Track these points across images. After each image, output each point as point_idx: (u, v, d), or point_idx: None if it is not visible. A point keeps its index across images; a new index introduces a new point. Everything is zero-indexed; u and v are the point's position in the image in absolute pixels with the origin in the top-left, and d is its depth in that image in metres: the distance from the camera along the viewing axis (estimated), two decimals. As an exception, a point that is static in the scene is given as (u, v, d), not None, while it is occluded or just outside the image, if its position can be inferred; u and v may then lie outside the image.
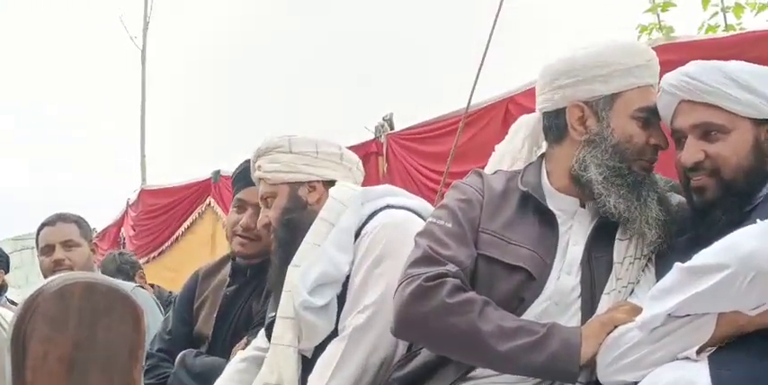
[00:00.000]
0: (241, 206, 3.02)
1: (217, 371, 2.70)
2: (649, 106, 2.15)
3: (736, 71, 2.04)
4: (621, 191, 2.11)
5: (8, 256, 4.66)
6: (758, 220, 1.84)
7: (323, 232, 2.51)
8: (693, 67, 2.07)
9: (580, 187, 2.18)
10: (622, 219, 2.11)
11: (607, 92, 2.15)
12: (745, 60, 2.14)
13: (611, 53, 2.16)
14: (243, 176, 3.04)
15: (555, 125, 2.26)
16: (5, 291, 4.46)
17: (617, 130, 2.14)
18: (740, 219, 1.94)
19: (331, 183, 2.63)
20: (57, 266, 3.85)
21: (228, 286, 3.11)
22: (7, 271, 4.52)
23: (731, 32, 4.53)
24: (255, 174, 2.70)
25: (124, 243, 6.75)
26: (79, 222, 3.99)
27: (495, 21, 3.71)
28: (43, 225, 3.99)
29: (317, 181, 2.63)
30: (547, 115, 2.30)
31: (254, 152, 2.70)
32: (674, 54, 3.08)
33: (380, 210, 2.54)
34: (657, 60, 2.23)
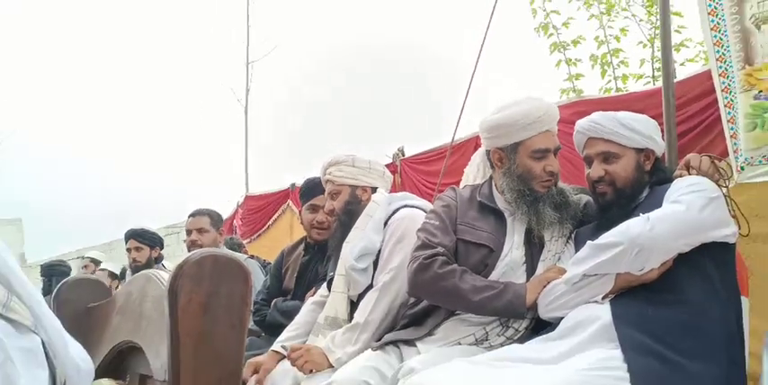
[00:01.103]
0: (314, 209, 2.99)
1: (297, 311, 2.69)
2: (541, 148, 2.13)
3: (624, 118, 2.03)
4: (523, 207, 2.12)
5: (162, 238, 4.70)
6: (640, 214, 1.84)
7: (365, 222, 2.49)
8: (597, 115, 2.06)
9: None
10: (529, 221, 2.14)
11: (512, 141, 2.13)
12: (630, 111, 2.12)
13: (514, 116, 2.13)
14: (310, 189, 3.01)
15: (489, 160, 2.27)
16: (162, 261, 4.49)
17: (520, 166, 2.13)
18: (628, 213, 1.93)
19: (375, 188, 2.60)
20: (192, 245, 3.87)
21: (303, 257, 3.10)
22: (162, 248, 4.56)
23: (620, 93, 4.49)
24: (326, 178, 2.64)
25: (236, 230, 6.77)
26: (210, 214, 3.99)
27: (472, 78, 3.66)
28: (189, 216, 4.00)
29: (368, 186, 2.60)
30: (485, 152, 2.31)
31: (327, 162, 2.64)
32: (583, 107, 3.05)
33: (401, 208, 2.51)
34: (553, 112, 2.19)
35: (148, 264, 4.21)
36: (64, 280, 1.35)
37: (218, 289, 0.85)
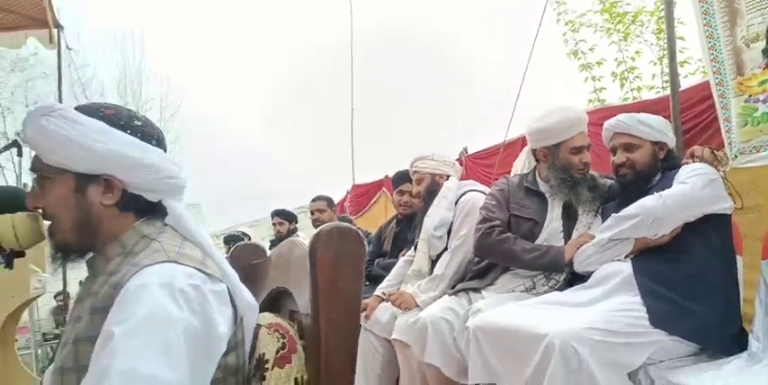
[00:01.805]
0: (401, 192, 3.02)
1: (392, 267, 2.73)
2: (577, 145, 2.06)
3: (642, 117, 1.93)
4: (564, 190, 2.06)
5: (296, 215, 4.78)
6: (654, 192, 1.76)
7: (440, 201, 2.48)
8: (621, 116, 1.97)
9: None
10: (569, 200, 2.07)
11: (554, 142, 2.08)
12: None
13: (554, 123, 2.07)
14: (399, 178, 3.03)
15: (534, 155, 2.21)
16: (296, 232, 4.61)
17: (562, 160, 2.07)
18: (644, 192, 1.84)
19: (448, 176, 2.59)
20: (315, 221, 3.97)
21: (396, 228, 3.14)
22: (297, 222, 4.66)
23: (636, 101, 4.27)
24: (413, 169, 2.65)
25: (346, 209, 6.88)
26: (327, 199, 4.07)
27: (520, 91, 3.57)
28: (311, 201, 4.09)
29: (444, 174, 2.60)
30: (530, 150, 2.25)
31: (414, 158, 2.66)
32: (606, 112, 2.91)
33: (467, 191, 2.49)
34: (584, 117, 2.12)
35: (288, 235, 4.34)
36: (236, 244, 1.43)
37: (342, 249, 0.89)
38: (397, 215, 3.17)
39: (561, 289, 1.96)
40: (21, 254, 1.02)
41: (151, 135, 1.02)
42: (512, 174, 2.39)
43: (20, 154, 2.25)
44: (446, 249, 2.42)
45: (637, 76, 5.64)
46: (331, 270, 0.87)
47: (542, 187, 2.16)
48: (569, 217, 2.10)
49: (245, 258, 1.35)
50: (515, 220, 2.13)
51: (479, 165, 4.50)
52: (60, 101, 4.00)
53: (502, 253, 2.07)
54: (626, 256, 1.78)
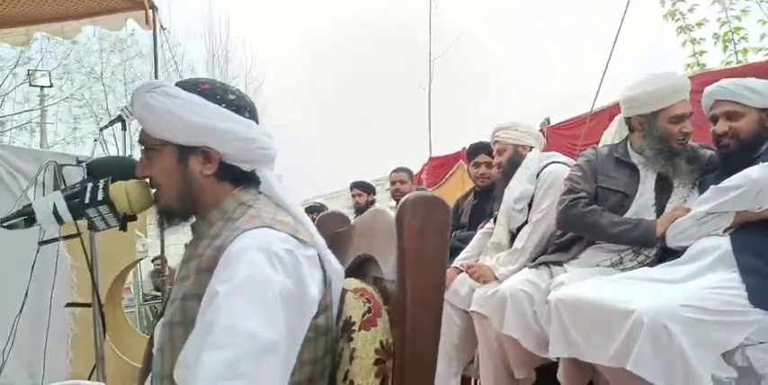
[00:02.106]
0: (477, 165, 2.98)
1: (470, 239, 2.72)
2: (678, 114, 1.91)
3: (747, 82, 1.78)
4: (661, 161, 1.93)
5: (374, 187, 4.84)
6: (760, 162, 1.63)
7: (522, 173, 2.42)
8: (723, 81, 1.82)
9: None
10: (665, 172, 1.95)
11: (651, 110, 1.94)
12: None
13: (653, 89, 1.93)
14: (474, 150, 2.99)
15: (629, 124, 2.07)
16: (374, 203, 4.67)
17: (660, 129, 1.93)
18: (749, 162, 1.70)
19: (531, 147, 2.52)
20: (396, 192, 4.00)
21: (473, 201, 3.11)
22: (375, 194, 4.73)
23: (740, 64, 3.92)
24: (494, 139, 2.58)
25: (423, 182, 6.89)
26: (408, 171, 4.10)
27: (613, 47, 3.38)
28: (393, 172, 4.12)
29: (527, 145, 2.52)
30: (625, 119, 2.10)
31: (496, 127, 2.57)
32: (708, 77, 2.70)
33: (549, 163, 2.41)
34: (686, 83, 1.97)
35: (366, 206, 4.43)
36: (320, 214, 1.48)
37: (428, 218, 0.89)
38: (475, 187, 3.13)
39: (651, 264, 1.87)
40: (133, 218, 1.11)
41: (244, 107, 1.06)
42: (600, 145, 2.29)
43: (123, 128, 2.42)
44: (526, 222, 2.37)
45: (743, 37, 5.15)
46: (417, 238, 0.88)
47: (634, 158, 2.04)
48: (663, 189, 1.98)
49: (330, 226, 1.38)
50: (603, 192, 2.04)
51: (563, 136, 4.34)
52: (156, 78, 4.25)
53: (587, 225, 1.99)
54: (724, 231, 1.66)
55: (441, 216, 0.90)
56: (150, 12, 4.02)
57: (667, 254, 1.86)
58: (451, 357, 2.44)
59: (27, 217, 1.10)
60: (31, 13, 3.57)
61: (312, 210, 5.85)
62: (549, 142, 4.34)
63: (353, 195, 4.59)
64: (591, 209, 1.99)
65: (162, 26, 4.67)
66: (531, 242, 2.30)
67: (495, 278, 2.26)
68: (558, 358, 1.86)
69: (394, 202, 4.13)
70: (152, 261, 7.46)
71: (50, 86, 8.87)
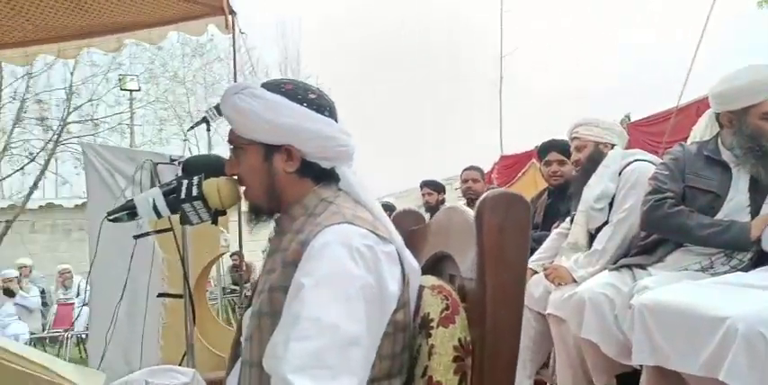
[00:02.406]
0: (548, 163, 2.92)
1: (544, 239, 2.66)
2: None
3: None
4: (752, 160, 1.81)
5: (444, 186, 4.81)
6: None
7: (603, 171, 2.34)
8: None
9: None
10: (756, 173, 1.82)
11: (742, 106, 1.83)
12: None
13: (743, 84, 1.81)
14: (545, 148, 2.94)
15: (718, 120, 1.96)
16: (444, 202, 4.65)
17: (750, 126, 1.81)
18: None
19: (613, 145, 2.43)
20: (467, 190, 3.97)
21: (547, 200, 3.04)
22: (445, 193, 4.71)
23: None
24: (573, 135, 2.50)
25: (493, 181, 6.79)
26: (479, 169, 4.06)
27: (702, 35, 3.19)
28: (465, 170, 4.09)
29: (608, 143, 2.43)
30: (714, 114, 1.99)
31: (575, 123, 2.50)
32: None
33: (633, 161, 2.31)
34: None
35: (437, 205, 4.43)
36: (395, 212, 1.50)
37: (508, 215, 0.89)
38: (549, 186, 3.06)
39: (746, 269, 1.76)
40: (223, 213, 1.18)
41: (324, 106, 1.10)
42: (689, 142, 2.17)
43: (208, 128, 2.56)
44: (607, 222, 2.29)
45: None
46: (497, 235, 0.88)
47: (725, 156, 1.92)
48: (757, 189, 1.84)
49: (406, 224, 1.40)
50: (691, 193, 1.93)
51: (644, 132, 4.15)
52: (234, 80, 4.44)
53: (674, 227, 1.90)
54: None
55: (521, 213, 0.89)
56: (230, 17, 4.21)
57: (764, 258, 1.74)
58: (525, 360, 2.40)
59: (129, 211, 1.21)
60: (123, 21, 3.84)
61: (383, 208, 5.92)
62: (631, 138, 4.18)
63: (423, 194, 4.59)
64: (678, 210, 1.89)
65: (240, 30, 4.89)
66: (612, 243, 2.22)
67: (574, 280, 2.20)
68: (641, 366, 1.78)
69: (464, 201, 4.10)
70: (230, 256, 7.84)
71: (138, 90, 9.52)
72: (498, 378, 0.91)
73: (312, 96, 1.09)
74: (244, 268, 5.37)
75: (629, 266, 2.04)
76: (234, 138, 1.10)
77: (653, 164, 2.24)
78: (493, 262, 0.89)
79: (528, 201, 0.92)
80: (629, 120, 4.35)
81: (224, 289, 7.14)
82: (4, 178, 8.60)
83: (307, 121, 1.06)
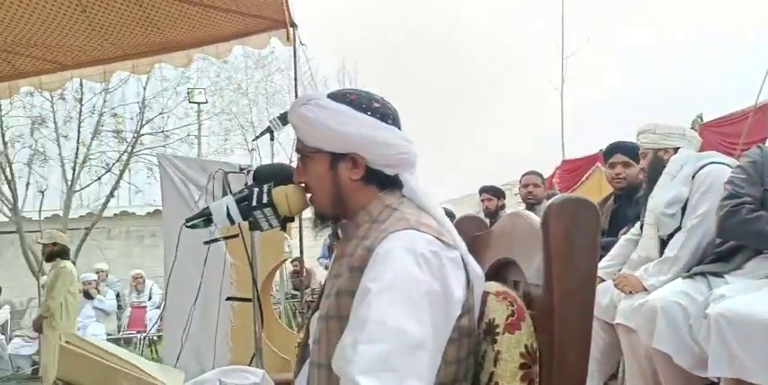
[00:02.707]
0: (612, 165, 2.84)
1: (611, 245, 2.59)
2: None
3: None
4: None
5: (504, 192, 4.73)
6: None
7: (666, 179, 2.26)
8: None
9: None
10: None
11: None
12: None
13: None
14: (608, 151, 2.86)
15: None
16: (504, 208, 4.56)
17: None
18: None
19: (677, 149, 2.34)
20: (528, 195, 3.91)
21: (614, 205, 2.95)
22: (505, 198, 4.63)
23: None
24: (638, 143, 2.46)
25: (555, 186, 6.63)
26: (540, 174, 3.99)
27: None
28: (525, 174, 4.03)
29: (670, 148, 2.34)
30: None
31: (636, 131, 2.45)
32: None
33: (707, 164, 2.22)
34: None
35: (496, 211, 4.37)
36: (457, 218, 1.51)
37: (575, 220, 0.88)
38: (615, 191, 2.97)
39: (836, 278, 1.64)
40: (291, 219, 1.23)
41: (387, 115, 1.13)
42: (767, 144, 2.06)
43: (272, 138, 2.65)
44: (679, 229, 2.20)
45: None
46: (564, 241, 0.87)
47: None
48: None
49: (468, 230, 1.40)
50: None
51: (718, 133, 3.94)
52: (296, 92, 4.57)
53: (752, 234, 1.81)
54: None
55: (588, 218, 0.88)
56: (291, 29, 4.35)
57: None
58: (593, 371, 2.33)
59: (206, 218, 1.28)
60: (192, 37, 4.04)
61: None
62: (704, 140, 3.99)
63: (483, 200, 4.54)
64: (756, 215, 1.80)
65: (301, 42, 5.04)
66: (686, 250, 2.12)
67: (644, 289, 2.12)
68: (717, 378, 1.70)
69: (524, 206, 4.03)
70: (291, 262, 8.03)
71: (205, 102, 9.97)
72: (567, 387, 0.89)
73: (376, 105, 1.12)
74: (304, 274, 5.49)
75: (703, 274, 1.96)
76: (301, 147, 1.14)
77: (729, 166, 2.14)
78: (560, 268, 0.88)
79: (596, 207, 0.90)
80: (702, 120, 4.14)
81: (285, 294, 7.32)
82: (83, 188, 9.18)
83: (371, 130, 1.08)
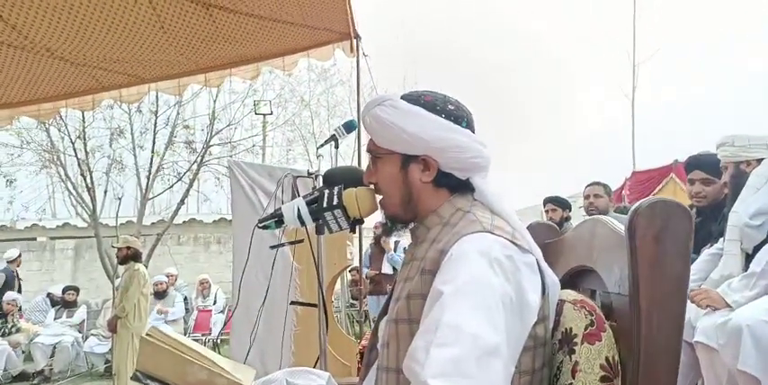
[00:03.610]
0: (691, 182, 2.68)
1: (692, 262, 2.43)
2: None
3: None
4: None
5: (570, 203, 4.59)
6: None
7: (748, 193, 2.13)
8: None
9: None
10: None
11: None
12: None
13: None
14: (687, 165, 2.70)
15: None
16: (570, 220, 4.42)
17: None
18: None
19: (760, 160, 2.20)
20: (589, 206, 3.77)
21: (697, 218, 2.78)
22: (570, 210, 4.48)
23: None
24: (719, 157, 2.36)
25: (624, 198, 6.36)
26: (604, 185, 3.83)
27: None
28: (588, 185, 3.90)
29: (752, 160, 2.22)
30: None
31: (717, 143, 2.35)
32: None
33: None
34: None
35: (561, 222, 4.23)
36: (529, 224, 1.46)
37: (667, 224, 0.83)
38: (691, 206, 2.80)
39: None
40: (360, 221, 1.22)
41: (461, 117, 1.10)
42: None
43: (336, 146, 2.67)
44: (766, 241, 2.04)
45: None
46: (653, 246, 0.81)
47: None
48: None
49: (540, 237, 1.35)
50: None
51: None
52: (358, 102, 4.63)
53: None
54: None
55: (681, 222, 0.82)
56: (354, 41, 4.42)
57: None
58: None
59: (277, 219, 1.30)
60: (261, 50, 4.18)
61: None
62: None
63: (547, 211, 4.41)
64: None
65: (364, 53, 5.10)
66: None
67: (728, 305, 1.98)
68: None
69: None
70: (349, 271, 8.08)
71: (271, 114, 10.28)
72: (655, 402, 0.83)
73: (450, 107, 1.10)
74: (362, 284, 5.50)
75: (797, 291, 1.80)
76: (373, 148, 1.13)
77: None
78: (648, 274, 0.82)
79: (689, 211, 0.84)
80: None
81: (344, 303, 7.37)
82: (155, 196, 9.64)
83: (444, 132, 1.07)
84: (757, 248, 2.07)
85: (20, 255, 7.27)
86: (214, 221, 11.47)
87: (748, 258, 2.10)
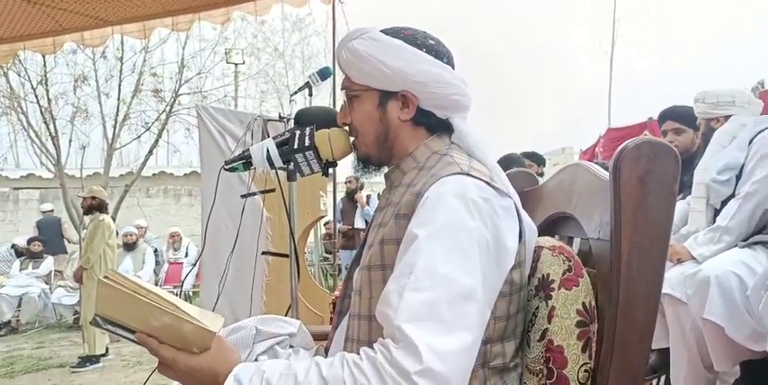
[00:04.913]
0: (664, 132, 2.67)
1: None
2: None
3: None
4: None
5: (545, 158, 4.61)
6: None
7: (714, 149, 2.14)
8: None
9: None
10: None
11: None
12: None
13: None
14: (660, 117, 2.66)
15: None
16: (543, 176, 4.43)
17: None
18: None
19: (728, 117, 2.20)
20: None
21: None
22: (545, 165, 4.51)
23: None
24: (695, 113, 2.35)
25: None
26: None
27: None
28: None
29: (720, 117, 2.23)
30: None
31: (695, 98, 2.33)
32: None
33: (765, 129, 2.08)
34: None
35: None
36: (506, 172, 1.42)
37: (654, 167, 0.79)
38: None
39: None
40: (333, 164, 1.16)
41: (443, 53, 1.04)
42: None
43: (310, 93, 2.57)
44: (733, 196, 2.06)
45: None
46: (638, 188, 0.78)
47: None
48: None
49: (518, 185, 1.32)
50: None
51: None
52: (333, 52, 4.47)
53: None
54: None
55: (668, 164, 0.78)
56: (329, -14, 4.21)
57: None
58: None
59: (245, 161, 1.22)
60: (231, -7, 3.95)
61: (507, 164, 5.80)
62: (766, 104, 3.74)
63: (525, 166, 4.41)
64: None
65: (340, 0, 4.89)
66: (739, 218, 1.99)
67: (692, 258, 2.01)
68: (772, 352, 1.60)
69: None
70: (324, 224, 8.07)
71: (243, 63, 9.94)
72: (632, 348, 0.82)
73: (431, 42, 1.04)
74: (336, 237, 5.50)
75: (764, 243, 1.83)
76: (348, 85, 1.06)
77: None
78: (630, 218, 0.79)
79: (677, 153, 0.80)
80: (763, 87, 3.88)
81: (318, 256, 7.40)
82: (122, 146, 9.35)
83: (425, 65, 1.00)
84: (725, 203, 2.10)
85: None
86: (185, 174, 11.24)
87: (716, 214, 2.13)
